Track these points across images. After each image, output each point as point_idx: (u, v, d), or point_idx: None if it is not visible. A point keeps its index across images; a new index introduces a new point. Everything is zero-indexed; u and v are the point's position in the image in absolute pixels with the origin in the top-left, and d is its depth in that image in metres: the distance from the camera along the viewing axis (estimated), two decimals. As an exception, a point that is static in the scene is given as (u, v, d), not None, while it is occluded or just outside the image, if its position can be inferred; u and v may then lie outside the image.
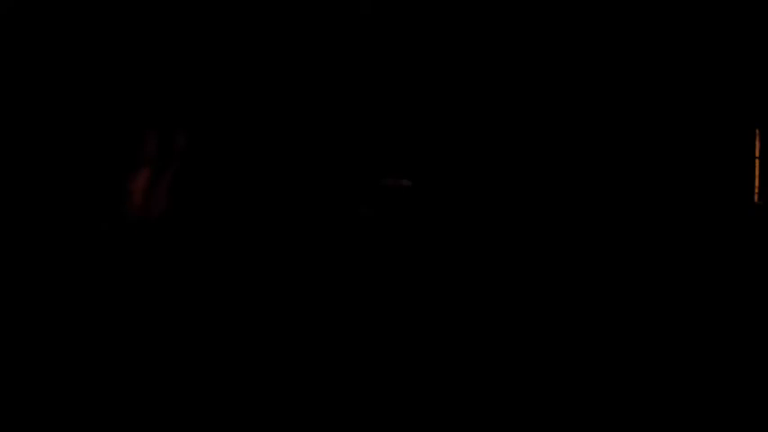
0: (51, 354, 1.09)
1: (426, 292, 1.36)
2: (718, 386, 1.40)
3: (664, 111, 1.66)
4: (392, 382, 1.26)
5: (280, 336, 1.24)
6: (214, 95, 1.08)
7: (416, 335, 1.32)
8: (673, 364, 1.43)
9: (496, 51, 1.49)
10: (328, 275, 1.23)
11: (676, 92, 1.70)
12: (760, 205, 1.87)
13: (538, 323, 1.41)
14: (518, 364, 1.36)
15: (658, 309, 1.51)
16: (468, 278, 1.42)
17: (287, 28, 1.16)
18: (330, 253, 1.21)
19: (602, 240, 1.57)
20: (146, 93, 1.01)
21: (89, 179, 0.97)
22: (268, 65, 1.16)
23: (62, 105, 0.95)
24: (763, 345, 1.46)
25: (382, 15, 1.46)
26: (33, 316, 1.07)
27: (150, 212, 1.03)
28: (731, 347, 1.46)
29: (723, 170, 1.90)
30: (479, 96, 1.49)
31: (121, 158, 0.98)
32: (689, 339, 1.48)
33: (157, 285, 1.06)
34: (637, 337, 1.46)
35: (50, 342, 1.09)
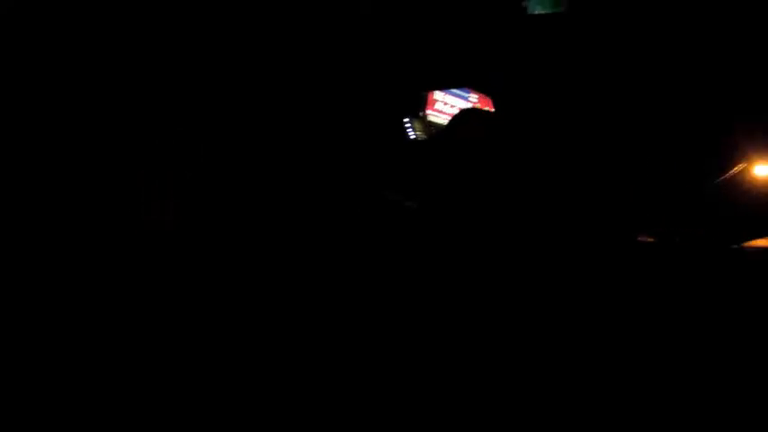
0: (66, 353, 1.06)
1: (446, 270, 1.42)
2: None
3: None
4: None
5: (291, 332, 1.23)
6: (227, 105, 1.07)
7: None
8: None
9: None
10: (351, 265, 1.24)
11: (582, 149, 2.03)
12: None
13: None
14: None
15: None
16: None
17: (297, 35, 1.16)
18: (358, 236, 1.22)
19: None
20: (163, 105, 0.99)
21: (107, 190, 0.95)
22: (277, 71, 1.15)
23: (75, 113, 0.93)
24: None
25: (382, 15, 1.47)
26: (49, 318, 1.04)
27: (165, 222, 1.02)
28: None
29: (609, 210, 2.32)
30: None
31: (138, 169, 0.96)
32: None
33: (174, 291, 1.05)
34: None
35: (66, 342, 1.07)
